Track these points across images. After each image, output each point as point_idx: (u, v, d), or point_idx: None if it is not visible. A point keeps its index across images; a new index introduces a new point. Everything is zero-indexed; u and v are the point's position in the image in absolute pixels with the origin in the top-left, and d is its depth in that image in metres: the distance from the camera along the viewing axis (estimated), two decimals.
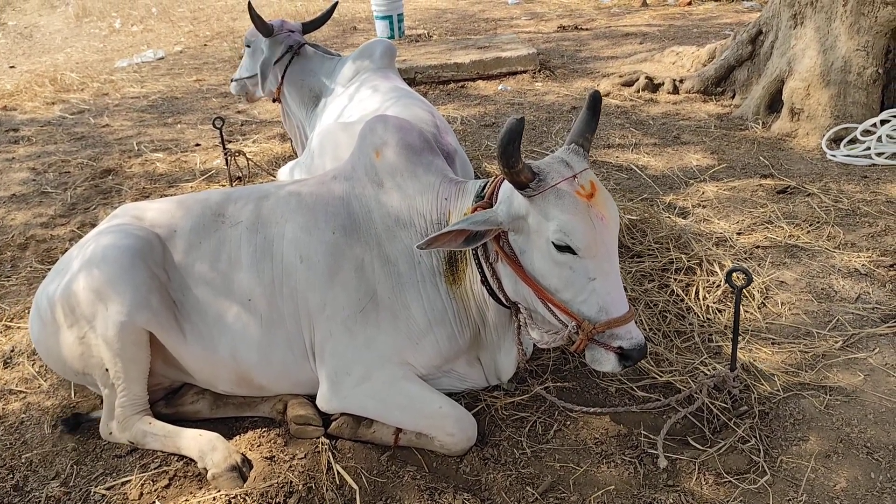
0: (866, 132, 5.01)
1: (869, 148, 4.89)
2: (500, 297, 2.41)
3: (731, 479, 2.33)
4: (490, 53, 7.48)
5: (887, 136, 4.93)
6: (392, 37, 9.14)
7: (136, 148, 5.97)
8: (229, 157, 4.77)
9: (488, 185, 2.42)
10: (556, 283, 2.21)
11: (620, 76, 6.86)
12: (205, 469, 2.42)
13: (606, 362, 2.21)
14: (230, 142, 5.81)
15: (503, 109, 6.46)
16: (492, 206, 2.32)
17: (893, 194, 4.28)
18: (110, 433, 2.60)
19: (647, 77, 6.67)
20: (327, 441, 2.50)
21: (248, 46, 4.74)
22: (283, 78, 4.50)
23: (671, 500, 2.26)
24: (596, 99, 2.34)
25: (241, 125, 6.53)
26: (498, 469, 2.41)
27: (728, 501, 2.25)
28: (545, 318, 2.30)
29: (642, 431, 2.55)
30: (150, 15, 13.90)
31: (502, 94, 6.98)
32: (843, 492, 2.27)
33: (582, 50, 8.64)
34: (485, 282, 2.39)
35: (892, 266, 3.50)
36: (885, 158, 4.79)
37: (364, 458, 2.44)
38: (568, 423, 2.63)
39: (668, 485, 2.33)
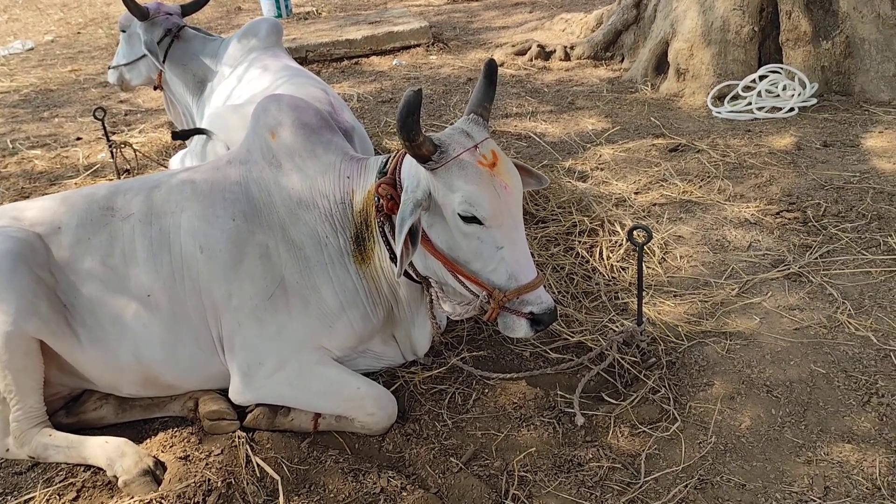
0: (747, 88, 5.26)
1: (750, 103, 5.14)
2: (411, 272, 2.40)
3: (645, 429, 2.42)
4: (382, 28, 7.38)
5: (766, 90, 5.20)
6: (279, 15, 8.87)
7: (11, 146, 5.57)
8: (115, 150, 4.52)
9: (390, 161, 2.38)
10: (465, 254, 2.22)
11: (513, 46, 6.92)
12: (115, 477, 2.30)
13: (519, 328, 2.24)
14: (114, 133, 5.50)
15: (399, 84, 6.40)
16: (395, 182, 2.28)
17: (775, 146, 4.52)
18: (7, 450, 2.43)
19: (538, 45, 6.75)
20: (244, 434, 2.42)
21: (124, 32, 4.47)
22: (163, 63, 4.28)
23: (590, 456, 2.32)
24: (492, 68, 2.34)
25: (126, 115, 6.19)
26: (421, 443, 2.41)
27: (643, 450, 2.34)
28: (456, 290, 2.30)
29: (558, 392, 2.61)
30: (14, 3, 12.94)
31: (397, 68, 6.91)
32: (747, 430, 2.40)
33: (473, 21, 8.66)
34: (394, 258, 2.37)
35: (778, 213, 3.70)
36: (765, 112, 5.05)
37: (284, 447, 2.38)
38: (486, 391, 2.65)
39: (587, 441, 2.40)
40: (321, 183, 2.45)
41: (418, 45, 7.31)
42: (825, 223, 3.56)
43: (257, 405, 2.48)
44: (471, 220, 2.15)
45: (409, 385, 2.69)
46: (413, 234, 2.15)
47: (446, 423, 2.51)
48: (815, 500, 2.12)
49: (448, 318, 2.66)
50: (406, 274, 2.40)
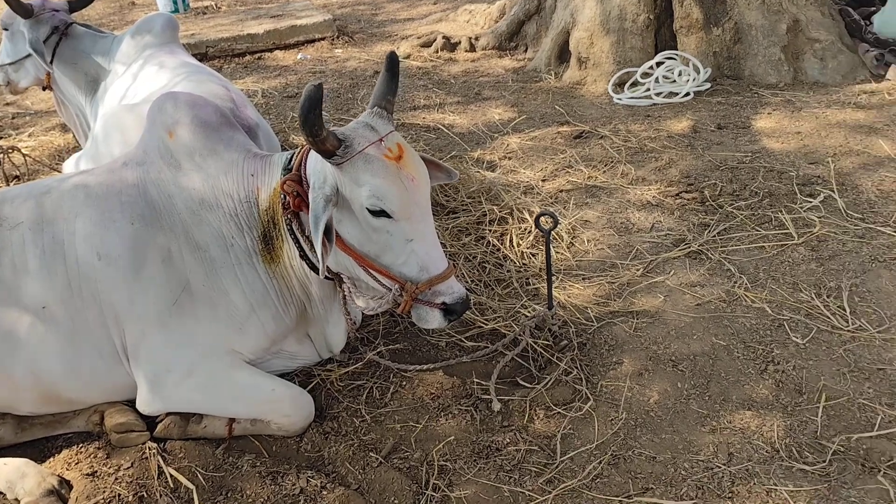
0: (645, 75, 5.44)
1: (649, 89, 5.32)
2: (322, 269, 2.37)
3: (560, 410, 2.48)
4: (284, 22, 7.24)
5: (663, 76, 5.39)
6: (176, 10, 8.56)
7: None
8: (2, 155, 4.26)
9: (295, 157, 2.34)
10: (376, 248, 2.21)
11: (419, 38, 6.92)
12: (16, 500, 2.19)
13: (432, 319, 2.25)
14: (1, 138, 5.19)
15: (305, 79, 6.29)
16: (300, 178, 2.25)
17: (673, 129, 4.70)
18: None
19: (444, 37, 6.78)
20: (155, 445, 2.34)
21: (6, 30, 4.21)
22: (51, 63, 4.06)
23: (508, 440, 2.36)
24: (393, 60, 2.33)
25: (13, 118, 5.85)
26: (339, 441, 2.40)
27: (559, 431, 2.40)
28: (369, 284, 2.29)
29: (475, 379, 2.64)
30: None
31: (302, 63, 6.80)
32: (656, 404, 2.50)
33: (378, 13, 8.61)
34: (304, 256, 2.33)
35: (678, 195, 3.85)
36: (663, 97, 5.24)
37: (198, 456, 2.32)
38: (404, 383, 2.66)
39: (504, 426, 2.44)
40: (224, 182, 2.39)
41: (323, 39, 7.21)
42: (721, 202, 3.73)
43: (167, 414, 2.40)
44: (379, 213, 2.14)
45: (325, 383, 2.67)
46: (328, 231, 2.13)
47: (365, 419, 2.50)
48: (720, 467, 2.22)
49: (363, 313, 2.65)
50: (317, 271, 2.37)
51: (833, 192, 3.71)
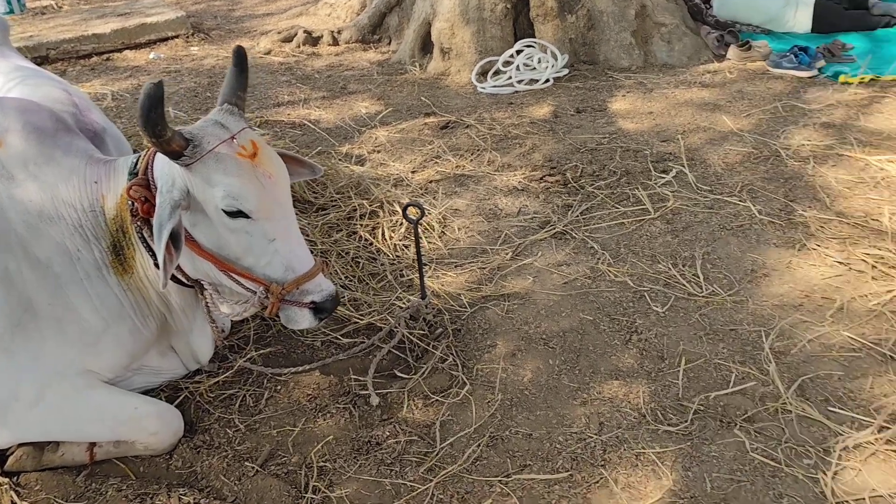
0: (506, 63, 5.55)
1: (510, 77, 5.43)
2: (180, 277, 2.26)
3: (438, 398, 2.50)
4: (133, 20, 6.86)
5: (523, 64, 5.52)
6: (10, 11, 7.92)
7: None
8: None
9: (141, 160, 2.22)
10: (236, 251, 2.13)
11: (279, 32, 6.75)
12: None
13: (302, 319, 2.20)
14: None
15: (159, 79, 5.99)
16: (148, 182, 2.13)
17: (535, 115, 4.82)
18: None
19: (305, 31, 6.65)
20: (6, 480, 2.16)
21: None
22: None
23: (387, 433, 2.35)
24: (240, 55, 2.25)
25: None
26: (212, 453, 2.30)
27: (437, 419, 2.41)
28: (232, 289, 2.21)
29: (352, 376, 2.61)
30: None
31: (156, 62, 6.47)
32: (530, 382, 2.56)
33: (235, 9, 8.33)
34: (159, 266, 2.21)
35: (542, 178, 3.96)
36: (525, 85, 5.37)
37: (56, 486, 2.16)
38: (279, 388, 2.59)
39: (383, 419, 2.42)
40: (64, 191, 2.22)
41: (176, 37, 6.89)
42: (583, 183, 3.87)
43: (19, 445, 2.22)
44: (236, 214, 2.06)
45: (194, 396, 2.55)
46: (175, 238, 2.02)
47: (238, 428, 2.42)
48: (592, 437, 2.31)
49: (231, 319, 2.55)
50: (175, 279, 2.25)
51: (684, 167, 3.93)
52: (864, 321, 2.70)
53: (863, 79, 4.86)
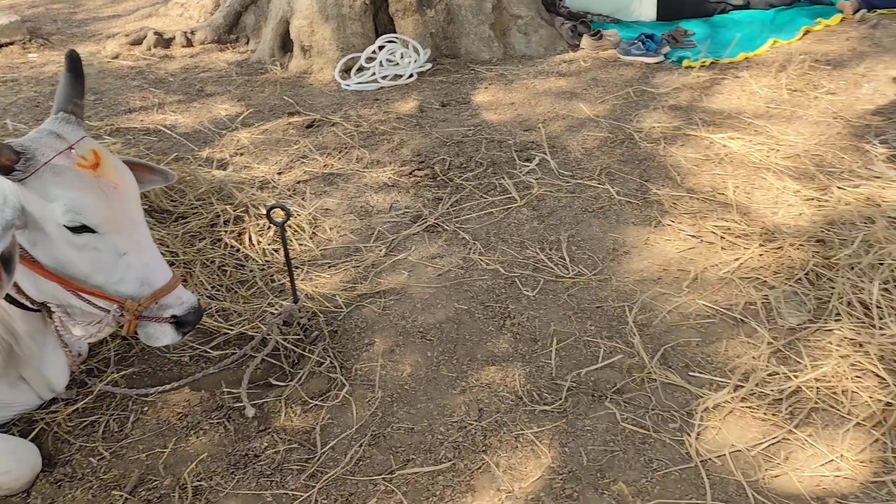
0: (369, 59, 5.52)
1: (374, 73, 5.41)
2: (23, 301, 2.09)
3: (317, 402, 2.45)
4: None
5: (386, 60, 5.50)
6: None
7: None
8: None
9: None
10: (84, 268, 1.99)
11: (127, 35, 6.39)
12: None
13: (164, 335, 2.09)
14: None
15: None
16: None
17: (401, 111, 4.82)
18: None
19: (155, 33, 6.33)
20: None
21: None
22: None
23: (266, 444, 2.28)
24: (73, 58, 2.10)
25: None
26: (75, 486, 2.15)
27: (317, 423, 2.36)
28: (83, 309, 2.06)
29: (225, 389, 2.51)
30: None
31: None
32: (409, 376, 2.56)
33: (77, 12, 7.81)
34: None
35: (411, 173, 3.97)
36: (389, 80, 5.36)
37: None
38: (146, 409, 2.45)
39: (260, 430, 2.35)
40: None
41: (12, 44, 6.37)
42: (451, 176, 3.91)
43: None
44: (81, 229, 1.93)
45: (52, 427, 2.37)
46: (7, 261, 1.86)
47: (103, 456, 2.27)
48: (472, 424, 2.34)
49: (87, 341, 2.39)
50: (18, 304, 2.08)
51: (546, 154, 4.05)
52: (717, 289, 2.89)
53: (704, 62, 5.19)
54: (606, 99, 4.76)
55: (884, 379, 2.33)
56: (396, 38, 5.63)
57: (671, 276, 3.00)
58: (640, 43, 5.44)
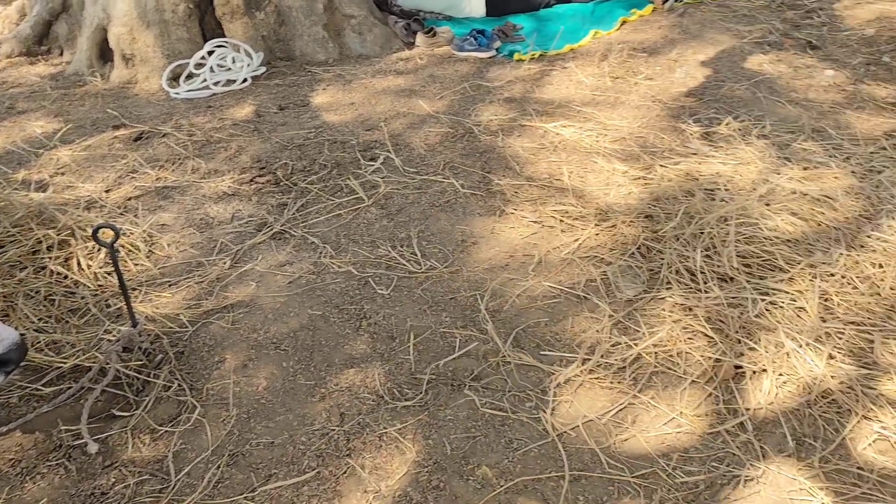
0: (199, 65, 5.28)
1: (205, 80, 5.18)
2: None
3: (167, 428, 2.31)
4: None
5: (217, 65, 5.29)
6: None
7: None
8: None
9: None
10: None
11: None
12: None
13: None
14: None
15: None
16: None
17: (237, 117, 4.66)
18: None
19: None
20: None
21: None
22: None
23: (113, 479, 2.13)
24: None
25: None
26: None
27: (169, 450, 2.24)
28: None
29: (62, 427, 2.31)
30: None
31: None
32: (265, 390, 2.48)
33: None
34: None
35: (252, 180, 3.85)
36: (222, 86, 5.16)
37: None
38: None
39: (106, 466, 2.19)
40: None
41: None
42: (295, 180, 3.82)
43: None
44: None
45: None
46: None
47: None
48: (335, 429, 2.30)
49: None
50: None
51: (390, 152, 4.06)
52: (560, 270, 3.02)
53: (533, 55, 5.41)
54: (444, 95, 4.84)
55: (712, 338, 2.54)
56: (226, 42, 5.43)
57: (517, 261, 3.10)
58: (472, 39, 5.58)
